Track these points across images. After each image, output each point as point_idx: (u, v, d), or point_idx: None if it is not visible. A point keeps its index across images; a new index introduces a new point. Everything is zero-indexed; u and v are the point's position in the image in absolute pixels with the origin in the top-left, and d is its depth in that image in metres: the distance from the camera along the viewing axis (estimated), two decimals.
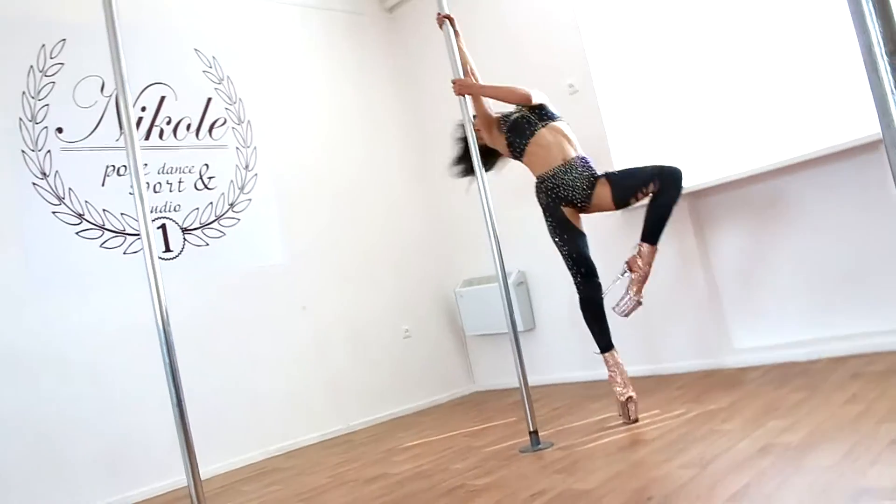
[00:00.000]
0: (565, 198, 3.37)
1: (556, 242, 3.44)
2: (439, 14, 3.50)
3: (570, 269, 3.42)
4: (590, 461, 2.72)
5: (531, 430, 3.19)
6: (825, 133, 3.74)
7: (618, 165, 4.52)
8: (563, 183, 3.36)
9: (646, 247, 3.27)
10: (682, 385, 3.94)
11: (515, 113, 3.56)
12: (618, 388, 3.31)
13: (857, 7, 0.91)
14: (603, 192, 3.35)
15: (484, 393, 5.42)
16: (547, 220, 3.45)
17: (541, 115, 3.49)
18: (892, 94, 0.91)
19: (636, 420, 3.27)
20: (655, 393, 3.86)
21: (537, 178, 3.45)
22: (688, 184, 4.13)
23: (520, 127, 3.48)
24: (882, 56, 0.90)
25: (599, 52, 4.64)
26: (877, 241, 3.71)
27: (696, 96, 4.28)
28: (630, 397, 3.28)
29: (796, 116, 3.90)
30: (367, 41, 5.67)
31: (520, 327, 4.63)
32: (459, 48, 3.54)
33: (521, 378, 3.28)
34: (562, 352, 4.95)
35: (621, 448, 2.85)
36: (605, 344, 3.39)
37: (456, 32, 3.52)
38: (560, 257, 3.46)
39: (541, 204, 3.46)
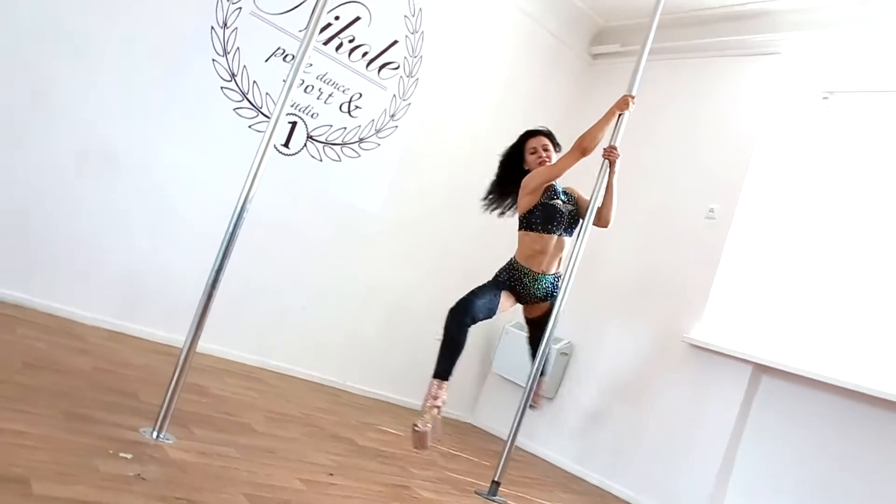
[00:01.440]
0: (517, 291, 3.42)
1: (485, 285, 3.41)
2: (606, 148, 3.44)
3: (476, 296, 3.32)
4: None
5: (495, 479, 3.19)
6: None
7: (714, 293, 4.47)
8: (525, 283, 3.39)
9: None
10: None
11: (561, 198, 3.47)
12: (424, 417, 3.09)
13: None
14: (544, 307, 3.46)
15: (475, 429, 5.40)
16: (490, 281, 3.44)
17: (570, 224, 3.43)
18: None
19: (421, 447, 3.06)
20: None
21: (514, 259, 3.44)
22: (760, 354, 4.05)
23: (550, 215, 3.39)
24: None
25: (753, 189, 4.57)
26: None
27: (824, 279, 4.17)
28: (415, 426, 3.05)
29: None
30: (558, 71, 5.74)
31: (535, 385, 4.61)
32: (610, 182, 3.44)
33: (513, 428, 3.28)
34: (567, 435, 4.89)
35: None
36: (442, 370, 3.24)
37: (612, 169, 3.43)
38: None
39: (499, 273, 3.45)
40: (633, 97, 3.47)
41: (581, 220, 3.43)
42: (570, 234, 3.43)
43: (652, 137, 5.06)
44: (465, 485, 3.24)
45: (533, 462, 4.55)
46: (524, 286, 3.38)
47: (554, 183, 3.45)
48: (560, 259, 3.45)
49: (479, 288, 3.36)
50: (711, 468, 4.13)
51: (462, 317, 3.22)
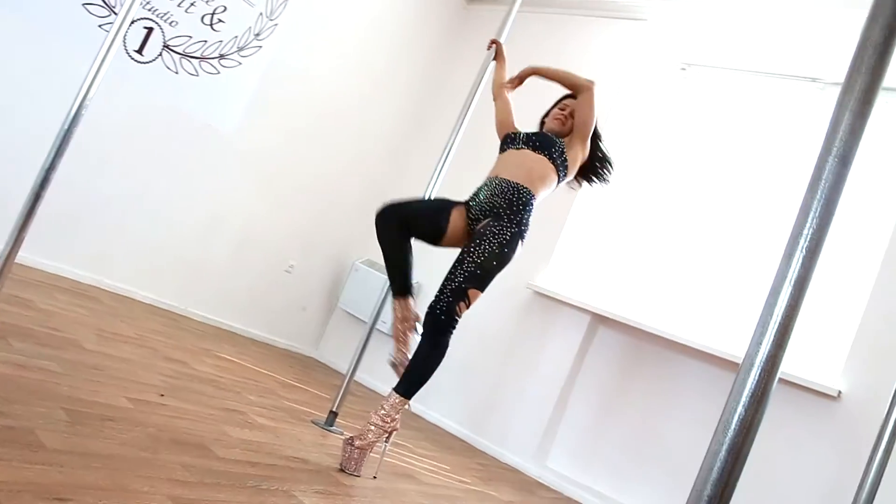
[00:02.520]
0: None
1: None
2: (492, 40, 3.48)
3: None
4: (364, 467, 2.72)
5: (332, 409, 3.19)
6: (722, 334, 3.90)
7: (560, 246, 4.62)
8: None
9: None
10: (484, 464, 4.00)
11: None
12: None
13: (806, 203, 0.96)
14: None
15: (319, 363, 5.39)
16: None
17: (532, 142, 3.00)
18: (790, 284, 0.95)
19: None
20: (456, 455, 3.91)
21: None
22: (599, 305, 4.25)
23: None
24: (801, 249, 0.94)
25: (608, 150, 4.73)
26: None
27: (660, 233, 4.40)
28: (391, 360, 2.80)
29: (712, 307, 4.04)
30: (431, 11, 5.67)
31: (382, 328, 4.66)
32: (501, 69, 3.44)
33: (353, 362, 3.29)
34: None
35: (395, 473, 2.86)
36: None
37: (501, 56, 3.46)
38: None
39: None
40: (493, 39, 3.49)
41: (555, 159, 2.98)
42: (543, 151, 2.97)
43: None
44: (302, 414, 3.23)
45: (373, 398, 4.60)
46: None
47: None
48: (538, 177, 2.96)
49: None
50: (545, 410, 4.33)
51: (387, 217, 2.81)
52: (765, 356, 0.94)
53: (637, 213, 4.56)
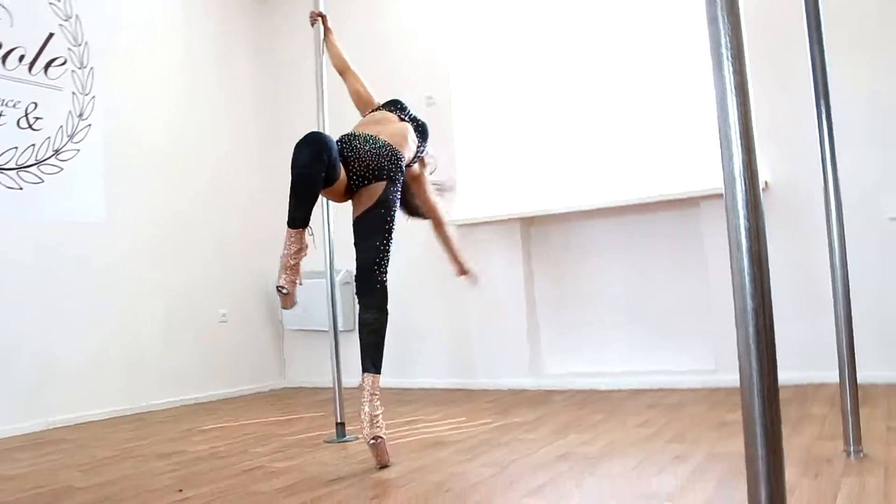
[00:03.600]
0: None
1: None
2: (313, 12, 3.40)
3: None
4: (393, 455, 2.70)
5: (338, 421, 3.15)
6: (653, 182, 4.01)
7: (462, 182, 4.62)
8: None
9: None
10: (492, 399, 4.03)
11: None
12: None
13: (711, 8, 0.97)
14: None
15: (294, 389, 5.30)
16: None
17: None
18: (732, 92, 0.96)
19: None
20: (464, 404, 3.93)
21: None
22: (524, 209, 4.31)
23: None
24: (726, 56, 0.95)
25: (460, 70, 4.73)
26: (684, 289, 4.01)
27: (545, 127, 4.44)
28: (279, 288, 2.62)
29: (633, 162, 4.14)
30: (232, 20, 5.48)
31: (340, 327, 4.60)
32: (331, 41, 3.37)
33: (335, 370, 3.25)
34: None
35: (425, 446, 2.86)
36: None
37: (328, 29, 3.39)
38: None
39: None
40: (315, 11, 3.40)
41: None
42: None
43: (355, 45, 5.00)
44: (311, 441, 3.17)
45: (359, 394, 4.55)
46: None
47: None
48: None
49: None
50: (520, 326, 4.39)
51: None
52: (742, 165, 0.95)
53: (514, 111, 4.58)
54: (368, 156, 2.68)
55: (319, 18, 3.39)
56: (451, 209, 4.63)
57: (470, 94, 4.73)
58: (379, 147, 2.71)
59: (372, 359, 2.67)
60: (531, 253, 4.47)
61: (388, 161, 2.70)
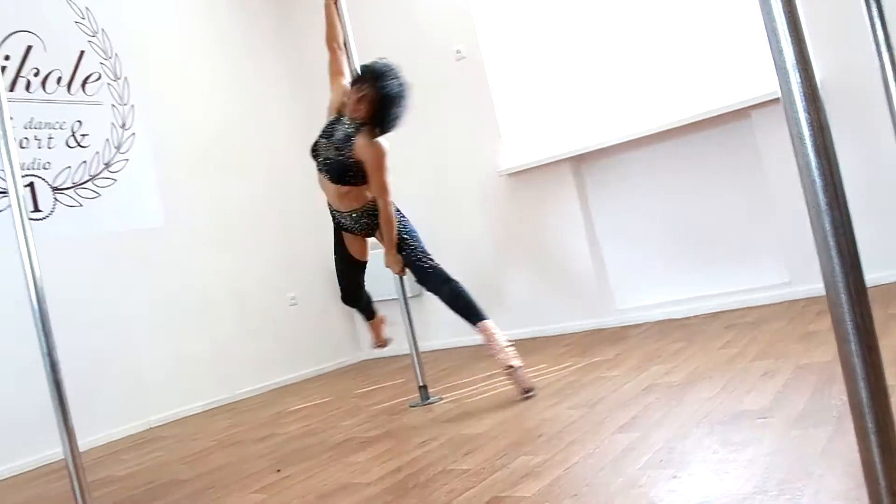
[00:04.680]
0: (340, 225, 3.27)
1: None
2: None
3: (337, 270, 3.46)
4: (479, 410, 2.74)
5: (420, 384, 3.20)
6: (700, 100, 3.91)
7: (504, 133, 4.58)
8: (337, 219, 3.25)
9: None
10: (568, 343, 4.03)
11: (336, 137, 3.06)
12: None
13: None
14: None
15: (371, 360, 5.38)
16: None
17: (336, 173, 3.04)
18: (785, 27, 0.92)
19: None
20: (543, 351, 3.93)
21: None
22: (571, 148, 4.25)
23: (313, 150, 3.16)
24: None
25: (487, 19, 4.66)
26: (745, 205, 3.92)
27: (580, 63, 4.35)
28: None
29: (676, 83, 4.03)
30: (255, 7, 5.49)
31: (409, 293, 4.63)
32: (331, 14, 3.29)
33: (410, 336, 3.28)
34: (448, 318, 4.94)
35: (510, 398, 2.88)
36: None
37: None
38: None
39: None
40: None
41: (356, 180, 3.02)
42: (339, 183, 3.03)
43: (368, 11, 4.96)
44: (397, 408, 3.22)
45: (437, 357, 4.60)
46: (338, 222, 3.23)
47: (343, 116, 3.09)
48: (353, 198, 3.08)
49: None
50: (586, 266, 4.36)
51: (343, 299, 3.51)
52: (794, 56, 0.92)
53: (548, 47, 4.50)
54: None
55: None
56: (497, 160, 4.61)
57: (500, 41, 4.65)
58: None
59: (476, 311, 3.06)
60: (586, 191, 4.41)
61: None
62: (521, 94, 4.60)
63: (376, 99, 2.92)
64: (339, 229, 3.25)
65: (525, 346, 4.30)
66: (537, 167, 4.43)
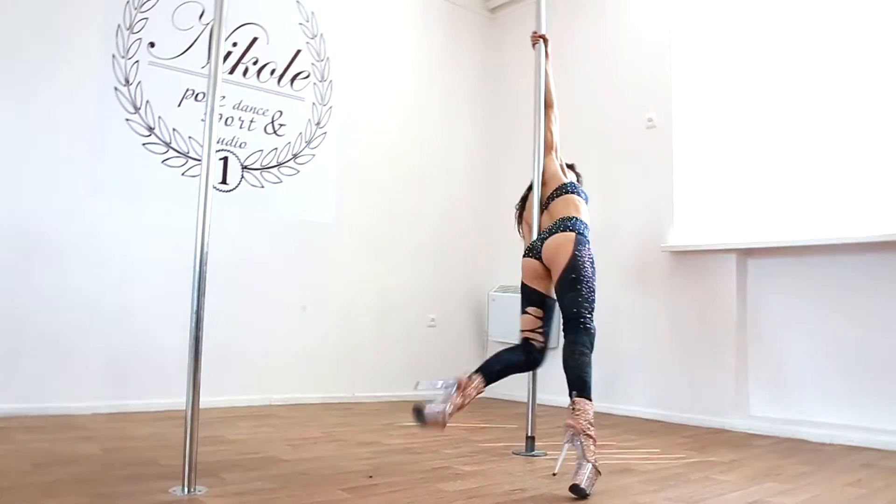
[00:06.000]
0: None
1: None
2: (534, 33, 3.47)
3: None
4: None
5: (528, 434, 3.19)
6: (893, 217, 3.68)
7: (678, 208, 4.51)
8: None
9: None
10: (689, 435, 3.88)
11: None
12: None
13: None
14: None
15: (491, 399, 5.39)
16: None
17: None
18: None
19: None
20: (660, 436, 3.81)
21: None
22: (741, 240, 4.11)
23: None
24: None
25: (684, 92, 4.62)
26: None
27: (774, 151, 4.21)
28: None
29: (872, 195, 3.82)
30: (462, 34, 5.74)
31: None
32: (546, 71, 3.41)
33: (531, 385, 3.29)
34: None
35: (612, 472, 2.82)
36: None
37: (546, 54, 3.42)
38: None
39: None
40: (537, 33, 3.45)
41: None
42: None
43: (569, 70, 5.05)
44: (500, 450, 3.24)
45: (554, 413, 4.55)
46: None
47: (565, 180, 3.15)
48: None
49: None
50: (727, 362, 4.19)
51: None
52: None
53: (740, 134, 4.39)
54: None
55: (540, 40, 3.44)
56: (665, 235, 4.54)
57: (694, 113, 4.59)
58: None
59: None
60: (747, 287, 4.25)
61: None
62: (704, 172, 4.51)
63: None
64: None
65: (645, 425, 4.19)
66: (704, 251, 4.32)
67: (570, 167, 3.32)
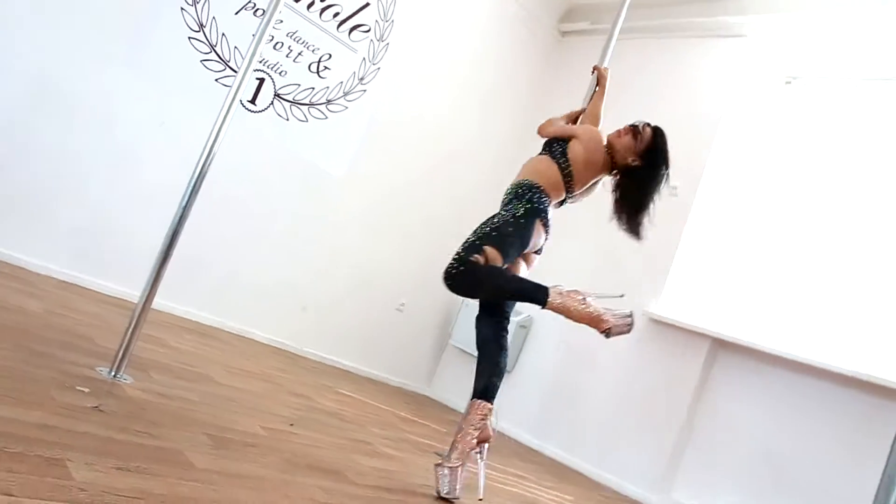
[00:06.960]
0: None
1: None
2: (597, 65, 3.45)
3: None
4: (490, 492, 2.68)
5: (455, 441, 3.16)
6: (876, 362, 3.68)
7: (672, 277, 4.51)
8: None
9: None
10: (606, 495, 3.88)
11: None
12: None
13: None
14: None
15: (433, 401, 5.38)
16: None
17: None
18: None
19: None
20: (583, 485, 3.81)
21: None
22: (719, 329, 4.11)
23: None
24: None
25: (715, 172, 4.62)
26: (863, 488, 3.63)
27: (780, 260, 4.22)
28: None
29: (854, 331, 3.83)
30: (527, 45, 5.73)
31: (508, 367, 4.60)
32: (596, 101, 3.37)
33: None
34: (524, 408, 4.88)
35: (523, 501, 2.80)
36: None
37: (602, 87, 3.37)
38: None
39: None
40: (600, 66, 3.44)
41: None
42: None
43: (616, 115, 5.03)
44: (424, 446, 3.22)
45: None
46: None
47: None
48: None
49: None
50: (667, 441, 4.18)
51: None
52: None
53: (752, 232, 4.40)
54: None
55: (597, 71, 3.42)
56: (650, 301, 4.53)
57: (714, 198, 4.60)
58: None
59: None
60: (711, 374, 4.24)
61: None
62: (707, 254, 4.52)
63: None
64: None
65: (566, 474, 4.18)
66: (680, 327, 4.31)
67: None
